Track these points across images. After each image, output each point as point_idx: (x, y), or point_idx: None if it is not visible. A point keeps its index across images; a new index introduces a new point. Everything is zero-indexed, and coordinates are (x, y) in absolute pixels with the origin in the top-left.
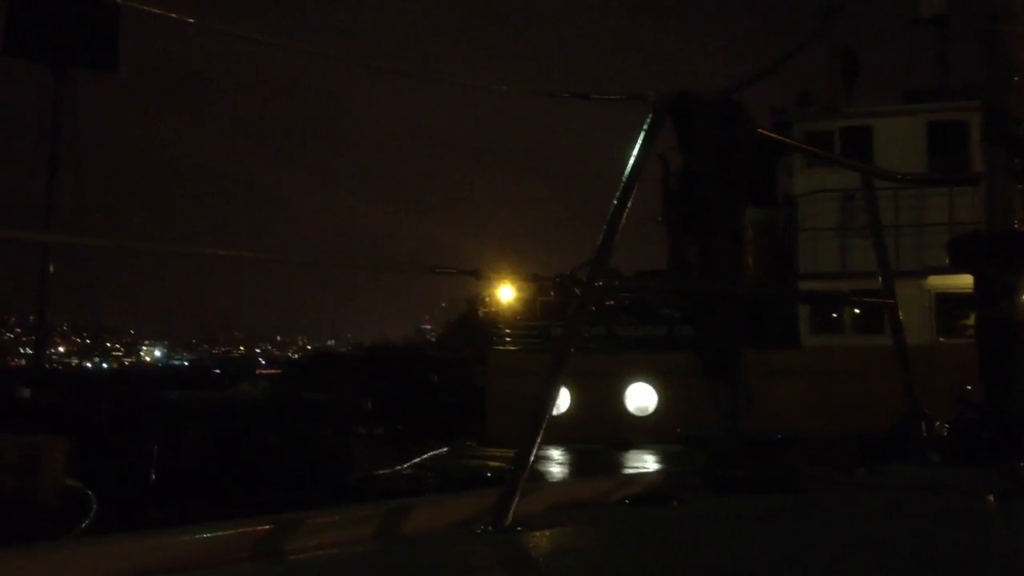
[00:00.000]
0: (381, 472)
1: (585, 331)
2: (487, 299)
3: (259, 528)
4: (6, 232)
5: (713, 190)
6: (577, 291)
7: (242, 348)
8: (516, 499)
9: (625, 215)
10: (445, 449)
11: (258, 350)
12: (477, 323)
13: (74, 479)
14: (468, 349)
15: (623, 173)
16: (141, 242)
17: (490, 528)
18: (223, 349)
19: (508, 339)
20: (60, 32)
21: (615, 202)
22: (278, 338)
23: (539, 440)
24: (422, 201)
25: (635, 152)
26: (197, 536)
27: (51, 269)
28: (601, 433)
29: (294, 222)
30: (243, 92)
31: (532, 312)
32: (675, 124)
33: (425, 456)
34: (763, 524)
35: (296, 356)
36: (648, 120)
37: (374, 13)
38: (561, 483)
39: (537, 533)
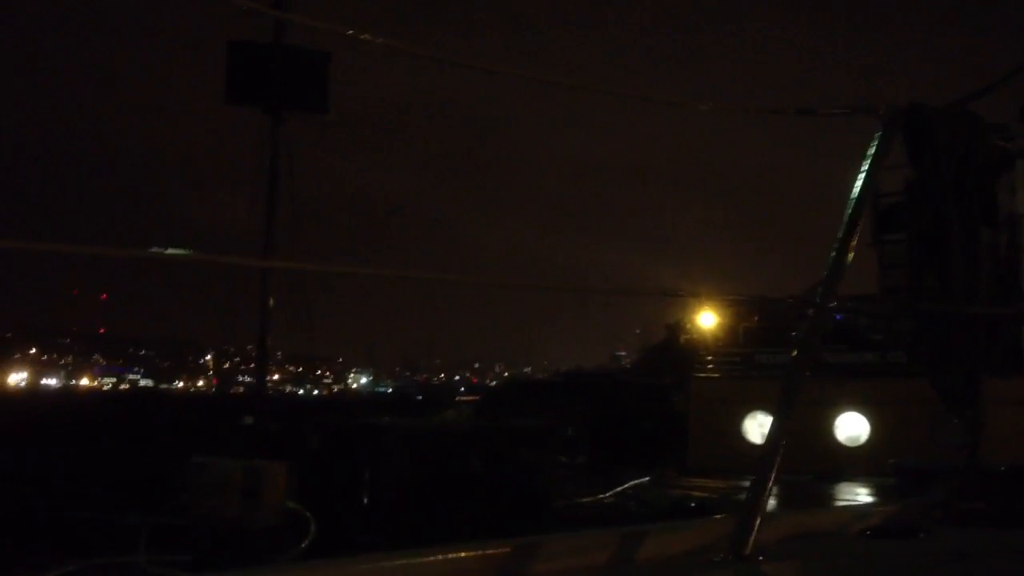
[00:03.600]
0: (584, 500)
1: (817, 357)
2: (688, 325)
3: (499, 551)
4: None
5: (950, 206)
6: (810, 313)
7: (442, 375)
8: (756, 528)
9: (856, 235)
10: (647, 478)
11: (457, 377)
12: (677, 349)
13: (294, 501)
14: (668, 376)
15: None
16: (362, 267)
17: (730, 557)
18: (424, 376)
19: (710, 366)
20: (276, 78)
21: (845, 221)
22: (476, 365)
23: (776, 468)
24: (611, 228)
25: (864, 169)
26: (440, 557)
27: (271, 302)
28: (809, 463)
29: (486, 252)
30: (434, 127)
31: (734, 338)
32: (906, 138)
33: (627, 485)
34: (1019, 560)
35: (493, 383)
36: (878, 135)
37: (582, 45)
38: (798, 513)
39: (779, 564)
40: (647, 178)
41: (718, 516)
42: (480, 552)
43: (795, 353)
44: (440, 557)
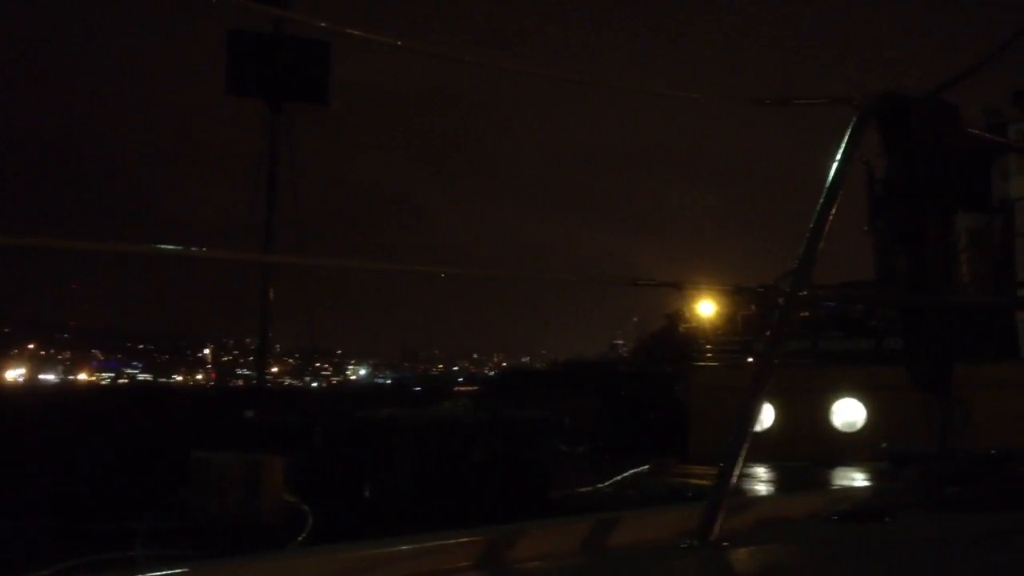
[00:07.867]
0: (582, 490)
1: (789, 345)
2: (687, 314)
3: (477, 539)
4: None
5: (922, 196)
6: (780, 301)
7: (440, 366)
8: (721, 514)
9: (829, 223)
10: (646, 467)
11: (455, 368)
12: (677, 338)
13: (292, 495)
14: (669, 365)
15: (824, 179)
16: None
17: (696, 543)
18: (423, 367)
19: (709, 354)
20: (276, 70)
21: (818, 209)
22: (475, 355)
23: (744, 454)
24: (607, 215)
25: (838, 157)
26: (421, 545)
27: (271, 295)
28: (806, 450)
29: (479, 243)
30: (425, 117)
31: (733, 327)
32: (880, 127)
33: (626, 474)
34: (987, 544)
35: (492, 373)
36: (852, 123)
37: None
38: (768, 498)
39: (744, 549)
40: (638, 166)
41: (696, 502)
42: (455, 540)
43: (765, 343)
44: (416, 546)
